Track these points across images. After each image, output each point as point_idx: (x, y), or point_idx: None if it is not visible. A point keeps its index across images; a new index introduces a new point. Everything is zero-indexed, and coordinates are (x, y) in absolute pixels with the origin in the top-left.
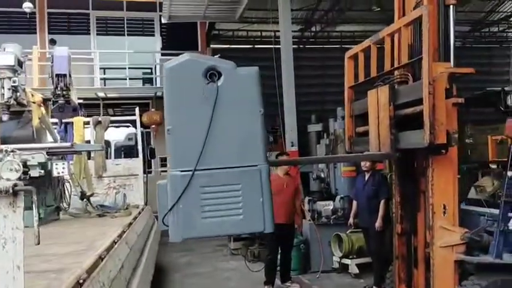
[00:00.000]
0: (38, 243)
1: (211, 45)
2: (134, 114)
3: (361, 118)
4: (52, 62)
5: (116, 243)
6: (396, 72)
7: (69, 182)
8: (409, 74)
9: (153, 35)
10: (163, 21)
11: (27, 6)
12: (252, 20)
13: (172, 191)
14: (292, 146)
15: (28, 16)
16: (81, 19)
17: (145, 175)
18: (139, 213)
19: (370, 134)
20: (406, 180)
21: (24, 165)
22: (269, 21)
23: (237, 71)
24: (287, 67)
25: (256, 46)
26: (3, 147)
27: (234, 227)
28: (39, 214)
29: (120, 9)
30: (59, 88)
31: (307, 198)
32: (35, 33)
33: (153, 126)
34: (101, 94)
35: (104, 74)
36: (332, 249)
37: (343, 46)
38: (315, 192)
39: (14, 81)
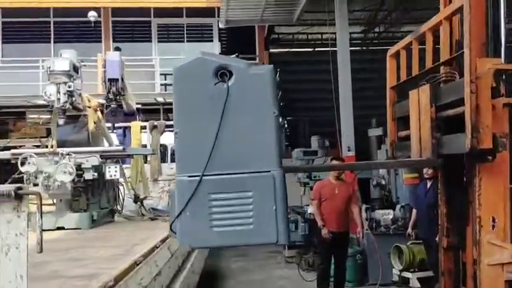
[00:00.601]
0: (41, 251)
1: (270, 50)
2: None
3: (404, 121)
4: (105, 67)
5: (157, 247)
6: (442, 70)
7: (122, 185)
8: (456, 72)
9: (212, 41)
10: (220, 26)
11: (92, 15)
12: (311, 22)
13: (179, 197)
14: (348, 150)
15: (93, 25)
16: (143, 27)
17: None
18: None
19: (411, 138)
20: (453, 189)
21: (79, 168)
22: (329, 23)
23: (249, 70)
24: (344, 69)
25: (316, 49)
26: (60, 150)
27: (244, 238)
28: (92, 216)
29: (180, 16)
30: (111, 93)
31: (364, 206)
32: (100, 41)
33: None
34: (160, 99)
35: (165, 79)
36: (392, 261)
37: None
38: (375, 199)
39: (69, 86)
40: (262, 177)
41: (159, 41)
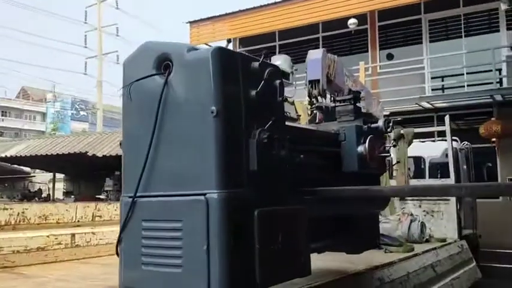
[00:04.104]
0: None
1: None
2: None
3: None
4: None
5: None
6: None
7: None
8: None
9: (498, 31)
10: (502, 8)
11: (352, 23)
12: None
13: (120, 223)
14: None
15: (353, 33)
16: (412, 26)
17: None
18: (435, 248)
19: None
20: None
21: None
22: None
23: (187, 56)
24: None
25: None
26: None
27: (169, 285)
28: None
29: (455, 6)
30: (312, 96)
31: None
32: (366, 51)
33: (494, 139)
34: (427, 105)
35: (442, 81)
36: None
37: None
38: None
39: None
40: (192, 202)
41: (430, 41)
